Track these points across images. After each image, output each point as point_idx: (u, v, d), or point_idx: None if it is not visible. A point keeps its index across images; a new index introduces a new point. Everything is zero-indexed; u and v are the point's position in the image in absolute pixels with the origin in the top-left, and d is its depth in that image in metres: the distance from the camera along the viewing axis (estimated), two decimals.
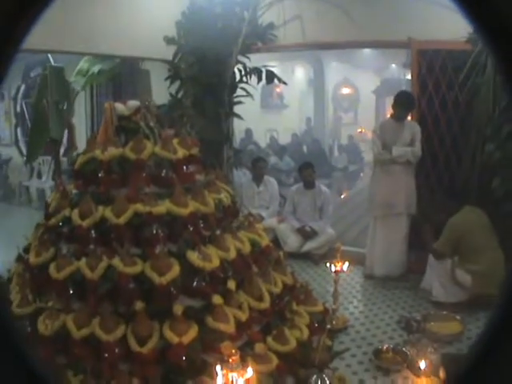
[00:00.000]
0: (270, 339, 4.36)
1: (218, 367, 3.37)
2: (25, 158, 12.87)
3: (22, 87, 15.03)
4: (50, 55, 9.21)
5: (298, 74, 17.68)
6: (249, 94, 7.51)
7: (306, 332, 4.64)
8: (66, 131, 9.96)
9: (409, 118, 6.74)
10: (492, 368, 0.89)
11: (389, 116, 7.34)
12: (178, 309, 3.93)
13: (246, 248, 4.64)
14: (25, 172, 14.41)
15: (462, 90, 6.34)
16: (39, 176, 14.00)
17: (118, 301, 4.10)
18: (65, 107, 9.20)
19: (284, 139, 15.94)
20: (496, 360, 0.88)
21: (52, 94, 8.78)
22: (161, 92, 7.84)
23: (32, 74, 14.19)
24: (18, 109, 15.38)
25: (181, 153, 4.71)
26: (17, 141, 15.38)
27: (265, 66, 7.70)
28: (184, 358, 3.87)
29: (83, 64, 9.16)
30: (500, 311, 0.93)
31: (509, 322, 0.89)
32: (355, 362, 4.81)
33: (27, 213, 12.39)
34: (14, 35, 0.88)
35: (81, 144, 7.07)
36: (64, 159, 10.88)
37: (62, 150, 10.66)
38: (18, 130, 15.42)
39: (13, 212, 13.56)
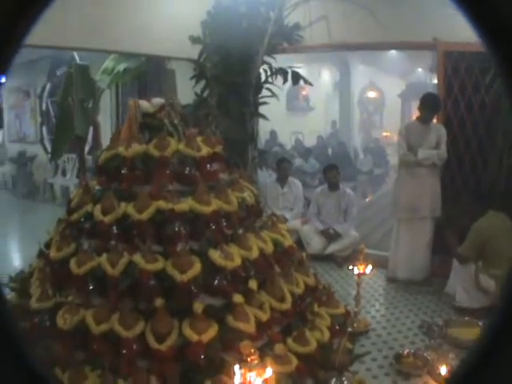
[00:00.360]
0: (290, 340, 4.32)
1: (237, 367, 3.34)
2: (49, 156, 12.96)
3: (48, 86, 15.14)
4: (75, 53, 9.28)
5: (324, 77, 17.65)
6: (274, 95, 7.48)
7: (326, 334, 4.60)
8: (91, 129, 10.00)
9: (434, 120, 6.66)
10: (492, 370, 0.87)
11: (414, 118, 7.27)
12: (198, 307, 3.91)
13: (269, 248, 4.61)
14: (49, 169, 14.53)
15: (489, 92, 6.27)
16: (64, 173, 14.11)
17: (138, 297, 4.08)
18: (90, 105, 9.24)
19: (309, 142, 15.87)
20: (496, 362, 0.86)
21: (77, 91, 8.82)
22: (186, 91, 7.84)
23: (58, 73, 14.29)
24: (44, 107, 15.50)
25: (205, 151, 4.70)
26: (42, 138, 15.49)
27: (291, 67, 7.66)
28: (203, 356, 3.85)
29: (109, 62, 9.20)
30: (500, 313, 0.91)
31: (509, 323, 0.87)
32: (375, 365, 4.76)
33: (51, 209, 12.47)
34: (14, 35, 0.86)
35: (106, 142, 7.09)
36: (89, 157, 10.92)
37: (86, 148, 10.72)
38: (44, 127, 15.54)
39: (37, 208, 13.68)
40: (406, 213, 6.72)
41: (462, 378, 0.92)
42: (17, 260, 8.76)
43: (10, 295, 5.64)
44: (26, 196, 14.94)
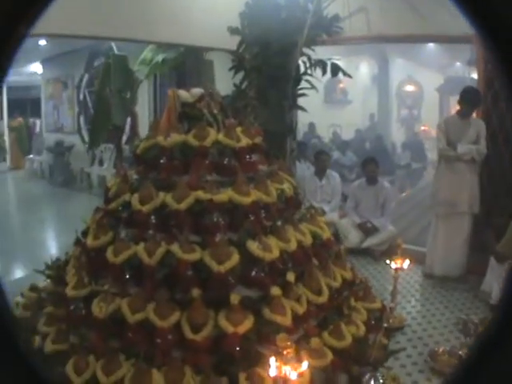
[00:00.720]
0: (325, 334, 4.28)
1: (272, 359, 3.31)
2: (87, 145, 13.07)
3: (86, 76, 15.29)
4: (113, 44, 9.31)
5: (362, 70, 17.52)
6: (313, 87, 7.40)
7: (362, 329, 4.56)
8: (128, 119, 10.04)
9: (474, 115, 6.55)
10: (492, 369, 0.85)
11: (454, 112, 7.16)
12: (234, 298, 3.89)
13: (307, 240, 4.56)
14: (86, 159, 14.67)
15: None
16: (101, 163, 14.25)
17: (174, 287, 4.08)
18: (128, 96, 9.28)
19: (347, 135, 15.81)
20: (497, 361, 0.85)
21: (115, 82, 8.86)
22: (224, 82, 7.82)
23: (95, 64, 14.41)
24: (81, 97, 15.64)
25: (244, 141, 4.67)
26: (79, 128, 15.61)
27: (330, 59, 7.59)
28: (238, 348, 3.83)
29: (147, 53, 9.22)
30: (500, 312, 0.89)
31: (509, 322, 0.85)
32: (410, 362, 4.71)
33: (87, 198, 12.61)
34: (14, 35, 0.84)
35: (143, 133, 7.12)
36: (126, 147, 10.98)
37: (124, 138, 10.78)
38: (81, 118, 15.69)
39: (73, 197, 13.83)
40: (444, 208, 6.64)
41: (462, 378, 0.89)
42: (53, 248, 8.86)
43: (45, 282, 5.71)
44: (62, 185, 15.12)
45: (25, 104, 22.39)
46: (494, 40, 0.84)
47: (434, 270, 6.75)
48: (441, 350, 4.75)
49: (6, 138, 20.41)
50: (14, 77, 18.85)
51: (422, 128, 17.99)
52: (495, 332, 0.87)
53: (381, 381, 4.16)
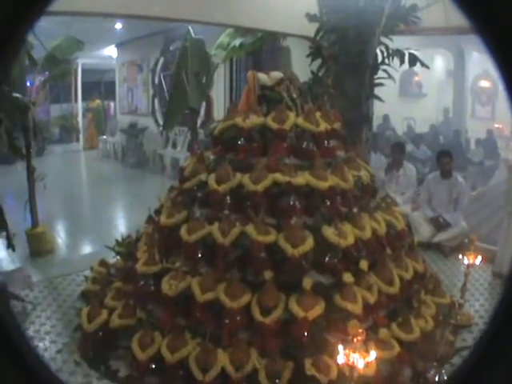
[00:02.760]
0: (394, 326, 4.23)
1: (341, 346, 3.28)
2: (161, 128, 13.21)
3: (161, 60, 15.40)
4: (190, 28, 9.34)
5: (437, 63, 17.19)
6: (390, 76, 7.29)
7: (430, 323, 4.50)
8: (203, 103, 10.09)
9: None
10: (493, 369, 0.85)
11: None
12: (307, 283, 3.87)
13: (382, 229, 4.51)
14: (160, 141, 14.85)
15: None
16: (174, 146, 14.37)
17: (246, 269, 4.09)
18: (204, 80, 9.31)
19: (420, 128, 15.57)
20: (497, 361, 0.84)
21: (192, 65, 8.89)
22: (301, 69, 7.75)
23: (171, 48, 14.50)
24: (156, 81, 15.77)
25: (323, 126, 4.64)
26: (153, 111, 15.79)
27: (407, 49, 7.46)
28: (306, 333, 3.81)
29: (224, 38, 9.22)
30: (501, 311, 0.91)
31: (509, 322, 0.85)
32: None
33: (159, 180, 12.78)
34: (14, 35, 0.83)
35: (218, 117, 7.15)
36: (201, 131, 11.04)
37: (199, 122, 10.84)
38: (155, 100, 15.83)
39: (145, 178, 14.05)
40: None
41: (463, 378, 0.85)
42: (123, 226, 9.00)
43: (115, 259, 5.81)
44: (134, 166, 15.36)
45: (99, 87, 22.79)
46: (494, 41, 0.82)
47: (503, 269, 6.58)
48: None
49: (80, 119, 20.88)
50: (88, 60, 19.25)
51: (496, 126, 17.59)
52: (495, 333, 0.83)
53: (445, 377, 4.08)
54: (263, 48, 8.92)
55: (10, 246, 5.92)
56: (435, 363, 4.16)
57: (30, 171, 7.26)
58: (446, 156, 7.74)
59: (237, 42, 8.88)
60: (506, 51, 0.80)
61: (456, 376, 0.89)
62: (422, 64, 7.54)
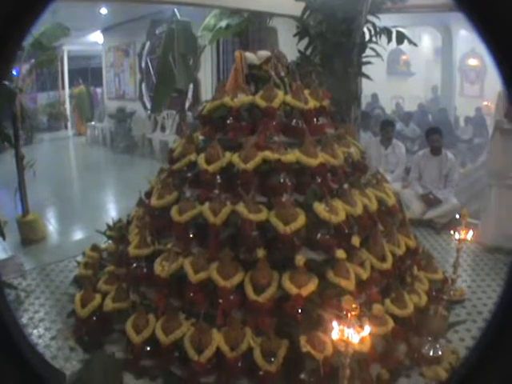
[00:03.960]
0: (388, 301, 4.25)
1: (335, 322, 3.29)
2: (149, 111, 13.17)
3: (147, 44, 15.38)
4: (176, 10, 9.29)
5: (424, 42, 17.20)
6: (378, 55, 7.27)
7: (424, 298, 4.51)
8: (191, 86, 10.06)
9: None
10: (494, 369, 0.84)
11: None
12: (299, 259, 3.86)
13: (373, 205, 4.51)
14: (148, 125, 14.82)
15: None
16: (163, 129, 14.35)
17: (238, 247, 4.08)
18: (191, 62, 9.28)
19: (409, 107, 15.64)
20: (497, 361, 0.84)
21: (179, 47, 8.87)
22: (288, 50, 7.72)
23: (157, 32, 14.47)
24: (143, 65, 15.73)
25: (312, 103, 4.63)
26: (141, 95, 15.77)
27: (395, 27, 7.44)
28: (300, 310, 3.82)
29: (210, 19, 9.18)
30: (501, 310, 0.87)
31: (510, 322, 0.84)
32: (469, 336, 4.62)
33: (149, 164, 12.75)
34: (14, 35, 0.82)
35: (206, 99, 7.12)
36: (189, 113, 11.01)
37: (186, 105, 10.81)
38: (143, 85, 15.81)
39: (134, 163, 14.01)
40: (497, 178, 6.58)
41: (464, 377, 0.85)
42: (114, 211, 9.00)
43: (106, 244, 5.80)
44: (124, 151, 15.33)
45: (86, 73, 22.73)
46: (495, 42, 0.81)
47: (486, 240, 6.61)
48: None
49: (68, 106, 20.81)
50: (74, 47, 19.16)
51: (485, 103, 17.62)
52: (495, 332, 0.83)
53: (440, 352, 4.10)
54: (250, 29, 8.85)
55: (1, 234, 5.91)
56: (430, 338, 4.17)
57: (19, 158, 7.23)
58: (436, 133, 7.76)
59: (223, 23, 8.84)
60: (506, 50, 0.79)
61: (456, 376, 0.89)
62: (410, 41, 7.54)
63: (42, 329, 4.80)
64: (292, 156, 4.23)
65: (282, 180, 4.16)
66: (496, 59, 0.82)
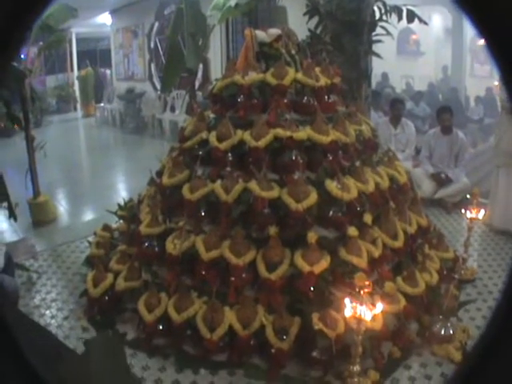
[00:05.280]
0: (399, 279, 4.24)
1: (347, 300, 3.29)
2: (159, 91, 13.13)
3: (156, 24, 15.35)
4: None
5: (434, 21, 17.10)
6: (388, 33, 7.22)
7: (435, 277, 4.49)
8: (200, 66, 10.02)
9: None
10: (494, 369, 0.82)
11: None
12: (311, 237, 3.85)
13: (385, 183, 4.49)
14: (158, 106, 14.80)
15: None
16: (172, 110, 14.33)
17: (250, 225, 4.08)
18: (200, 42, 9.22)
19: (419, 86, 15.59)
20: (498, 361, 0.82)
21: (188, 26, 8.80)
22: (298, 29, 7.67)
23: (165, 12, 14.42)
24: (152, 45, 15.70)
25: (323, 81, 4.60)
26: (150, 76, 15.76)
27: (405, 5, 7.37)
28: (312, 288, 3.81)
29: None
30: (501, 310, 0.86)
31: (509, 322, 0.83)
32: (480, 315, 4.62)
33: (159, 144, 12.76)
34: (14, 36, 0.81)
35: (216, 78, 7.09)
36: (199, 93, 10.98)
37: (196, 84, 10.78)
38: (152, 65, 15.80)
39: (144, 143, 14.01)
40: (504, 158, 6.50)
41: (465, 377, 0.84)
42: (124, 191, 9.01)
43: (117, 224, 5.81)
44: (133, 132, 15.33)
45: (95, 55, 22.70)
46: (495, 42, 0.80)
47: (493, 221, 6.58)
48: None
49: (76, 88, 20.83)
50: (83, 29, 19.14)
51: (495, 83, 17.53)
52: (498, 331, 0.83)
53: (451, 331, 4.10)
54: (259, 7, 8.81)
55: (12, 215, 5.92)
56: (441, 317, 4.17)
57: (29, 141, 7.22)
58: (446, 112, 7.70)
59: (232, 2, 8.76)
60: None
61: (455, 377, 0.89)
62: (420, 20, 7.46)
63: (54, 309, 4.82)
64: (303, 133, 4.21)
65: (293, 157, 4.14)
66: (495, 57, 0.81)
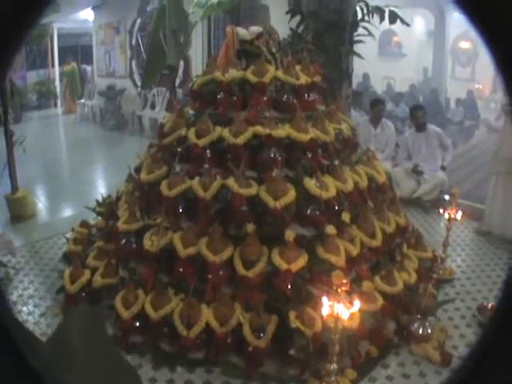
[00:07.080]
0: (377, 278, 4.25)
1: (325, 298, 3.29)
2: (139, 89, 13.07)
3: (138, 21, 15.30)
4: None
5: (417, 24, 17.23)
6: (370, 34, 7.24)
7: (413, 276, 4.52)
8: (181, 63, 9.99)
9: None
10: (494, 370, 0.81)
11: None
12: (289, 235, 3.85)
13: (363, 182, 4.50)
14: (138, 103, 14.74)
15: None
16: (153, 107, 14.28)
17: (228, 222, 4.07)
18: (182, 39, 9.20)
19: (400, 88, 15.72)
20: (498, 361, 0.80)
21: (170, 23, 8.78)
22: (280, 28, 7.68)
23: (148, 9, 14.40)
24: (134, 42, 15.65)
25: (303, 79, 4.60)
26: (131, 73, 15.71)
27: (387, 6, 7.39)
28: (290, 286, 3.80)
29: None
30: (501, 310, 0.83)
31: (509, 322, 0.81)
32: (458, 315, 4.67)
33: (138, 141, 12.70)
34: (14, 37, 0.80)
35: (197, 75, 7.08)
36: (179, 90, 10.96)
37: (177, 82, 10.75)
38: (133, 62, 15.74)
39: (124, 140, 13.95)
40: (504, 166, 6.47)
41: (465, 377, 0.84)
42: (103, 187, 8.98)
43: (96, 220, 5.78)
44: (113, 128, 15.26)
45: (76, 51, 22.52)
46: (495, 43, 0.77)
47: (492, 228, 6.60)
48: (489, 305, 4.65)
49: (57, 84, 20.67)
50: (64, 24, 19.00)
51: (476, 86, 17.64)
52: (497, 331, 0.82)
53: (429, 331, 4.12)
54: (241, 5, 8.80)
55: None
56: (419, 316, 4.19)
57: (8, 135, 7.16)
58: (419, 109, 7.90)
59: None
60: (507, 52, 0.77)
61: (455, 377, 0.88)
62: (403, 21, 7.49)
63: (31, 306, 4.78)
64: (283, 131, 4.20)
65: (272, 155, 4.14)
66: (495, 58, 0.81)
